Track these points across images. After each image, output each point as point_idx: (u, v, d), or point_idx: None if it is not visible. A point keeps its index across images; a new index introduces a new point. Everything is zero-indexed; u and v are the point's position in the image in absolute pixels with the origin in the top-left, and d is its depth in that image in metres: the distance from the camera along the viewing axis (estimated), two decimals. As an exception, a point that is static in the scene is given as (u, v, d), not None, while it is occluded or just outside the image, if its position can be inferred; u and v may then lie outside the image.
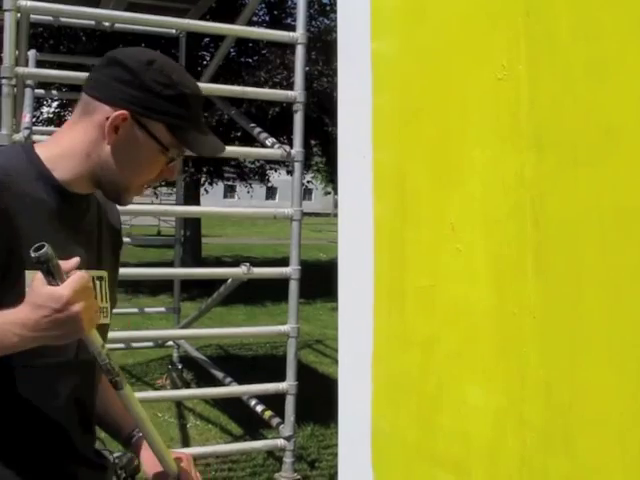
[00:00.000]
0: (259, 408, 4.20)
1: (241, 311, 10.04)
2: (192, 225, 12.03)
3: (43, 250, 1.04)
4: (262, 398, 4.24)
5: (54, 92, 8.08)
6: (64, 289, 1.06)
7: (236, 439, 4.84)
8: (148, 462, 1.42)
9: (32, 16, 4.91)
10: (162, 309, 7.41)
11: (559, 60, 1.12)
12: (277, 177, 16.44)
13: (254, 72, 10.30)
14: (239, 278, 3.96)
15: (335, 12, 1.93)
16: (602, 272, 1.06)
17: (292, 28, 4.04)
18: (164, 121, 1.27)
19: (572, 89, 1.10)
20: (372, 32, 1.59)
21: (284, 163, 11.51)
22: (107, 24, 5.47)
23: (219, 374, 4.90)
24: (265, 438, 4.45)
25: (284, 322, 3.85)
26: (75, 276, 1.08)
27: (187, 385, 6.03)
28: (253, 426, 4.78)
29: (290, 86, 4.39)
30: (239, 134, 10.53)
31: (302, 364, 5.58)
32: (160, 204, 17.46)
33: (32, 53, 5.09)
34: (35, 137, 3.45)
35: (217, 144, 1.37)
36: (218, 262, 14.53)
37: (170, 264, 7.51)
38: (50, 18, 5.76)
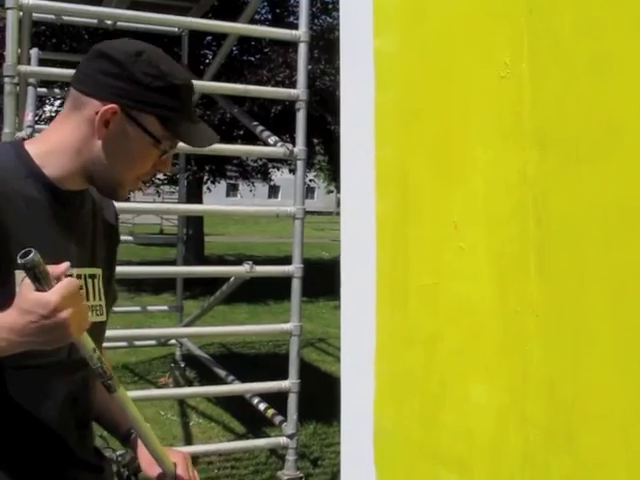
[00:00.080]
0: (262, 406, 4.20)
1: (244, 310, 10.05)
2: (195, 224, 12.04)
3: (29, 257, 1.03)
4: (265, 396, 4.24)
5: (56, 90, 8.08)
6: (52, 295, 1.04)
7: (239, 437, 4.85)
8: (145, 460, 1.41)
9: (34, 14, 4.91)
10: (165, 307, 7.42)
11: (562, 58, 1.12)
12: (280, 176, 16.44)
13: (256, 71, 10.29)
14: (242, 276, 3.96)
15: (337, 10, 1.92)
16: (605, 270, 1.06)
17: (294, 26, 4.04)
18: (155, 113, 1.24)
19: (575, 87, 1.10)
20: (374, 30, 1.59)
21: (286, 162, 11.53)
22: (109, 22, 5.47)
23: (222, 372, 4.91)
24: (268, 436, 4.45)
25: (287, 320, 3.85)
26: (63, 282, 1.06)
27: (190, 383, 6.04)
28: (256, 424, 4.79)
29: (292, 85, 4.39)
30: (241, 132, 10.53)
31: (305, 362, 5.58)
32: (162, 202, 17.48)
33: (34, 51, 5.09)
34: (37, 135, 3.45)
35: (210, 135, 1.34)
36: (221, 261, 14.55)
37: (173, 263, 7.51)
38: (52, 16, 5.77)
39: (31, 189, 1.24)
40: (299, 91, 3.77)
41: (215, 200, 14.63)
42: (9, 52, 3.19)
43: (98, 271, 1.36)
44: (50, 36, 9.61)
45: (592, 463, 1.09)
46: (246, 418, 4.97)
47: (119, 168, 1.27)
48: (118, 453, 1.48)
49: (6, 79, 3.19)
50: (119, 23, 5.33)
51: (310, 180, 18.05)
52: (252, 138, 8.34)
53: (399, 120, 1.53)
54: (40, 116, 11.34)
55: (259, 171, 14.39)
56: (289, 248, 4.00)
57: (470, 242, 1.32)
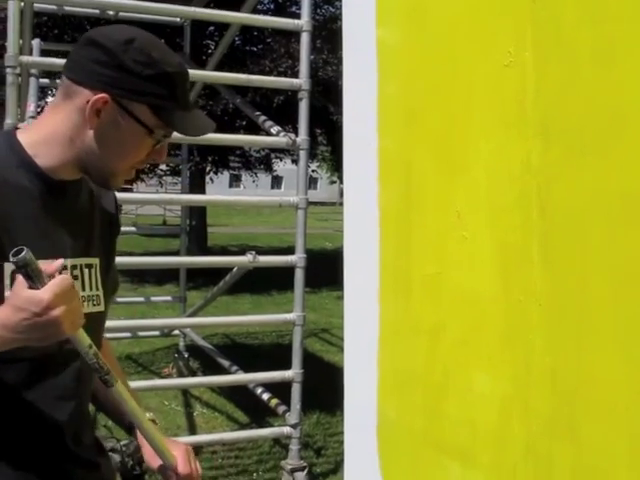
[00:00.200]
0: (265, 396, 4.21)
1: (247, 300, 10.06)
2: (198, 214, 12.03)
3: (21, 255, 1.03)
4: (268, 386, 4.25)
5: (58, 81, 8.05)
6: (44, 293, 1.04)
7: (242, 427, 4.86)
8: (148, 450, 1.40)
9: (36, 5, 4.89)
10: (168, 298, 7.42)
11: (565, 47, 1.12)
12: (282, 166, 16.42)
13: (259, 61, 10.27)
14: (245, 266, 3.96)
15: (340, 0, 1.91)
16: (608, 260, 1.06)
17: (297, 16, 4.02)
18: (146, 102, 1.22)
19: (579, 76, 1.10)
20: (377, 20, 1.58)
21: (289, 152, 11.50)
22: (111, 13, 5.45)
23: (225, 362, 4.91)
24: (271, 426, 4.46)
25: (290, 311, 3.85)
26: (56, 280, 1.06)
27: (193, 374, 6.05)
28: (259, 414, 4.80)
29: (295, 75, 4.38)
30: (244, 123, 10.51)
31: (308, 353, 5.59)
32: (165, 192, 17.45)
33: (36, 42, 5.07)
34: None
35: (205, 123, 1.31)
36: (224, 251, 14.56)
37: (176, 253, 7.51)
38: (54, 7, 5.75)
39: (22, 179, 1.22)
40: (301, 81, 3.76)
41: (218, 191, 14.61)
42: (11, 43, 3.18)
43: (95, 261, 1.34)
44: (52, 27, 9.59)
45: (595, 452, 1.09)
46: (250, 408, 4.98)
47: (112, 158, 1.25)
48: (122, 443, 1.48)
49: (8, 70, 3.18)
50: (121, 13, 5.31)
51: (313, 171, 18.02)
52: (255, 129, 8.32)
53: (402, 110, 1.52)
54: (42, 107, 11.33)
55: (262, 162, 14.37)
56: (292, 239, 4.00)
57: (473, 231, 1.31)
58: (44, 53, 5.30)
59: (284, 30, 6.35)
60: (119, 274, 1.51)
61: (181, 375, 6.00)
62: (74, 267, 1.27)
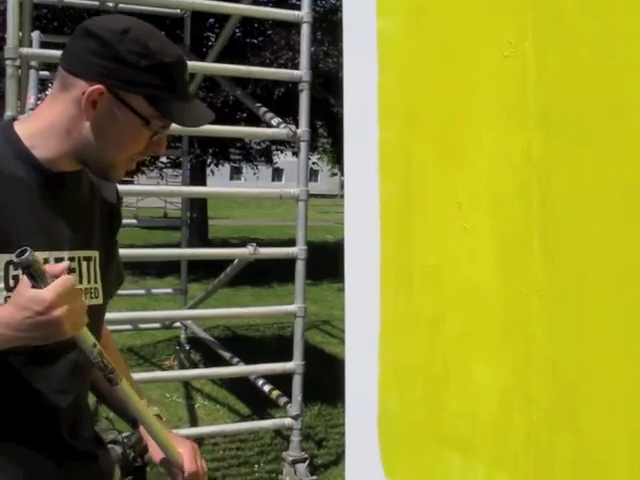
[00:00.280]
0: (266, 388, 4.22)
1: (248, 292, 10.07)
2: (198, 207, 12.02)
3: (24, 256, 1.05)
4: (269, 378, 4.26)
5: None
6: (47, 293, 1.05)
7: (244, 418, 4.87)
8: (153, 444, 1.40)
9: (36, -3, 4.88)
10: (169, 290, 7.44)
11: (566, 37, 1.11)
12: (283, 158, 16.40)
13: (259, 53, 10.23)
14: (246, 258, 3.96)
15: (340, -9, 1.90)
16: (609, 251, 1.06)
17: (297, 8, 4.01)
18: (143, 93, 1.20)
19: (579, 66, 1.09)
20: (378, 11, 1.58)
21: (290, 144, 11.48)
22: (111, 4, 5.44)
23: (226, 354, 4.92)
24: (273, 417, 4.47)
25: (291, 303, 3.86)
26: (59, 280, 1.07)
27: (195, 366, 6.06)
28: (261, 406, 4.81)
29: (295, 67, 4.37)
30: (245, 115, 10.49)
31: (309, 345, 5.60)
32: (166, 185, 17.44)
33: (36, 34, 5.06)
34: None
35: (204, 113, 1.29)
36: (225, 243, 14.55)
37: (177, 246, 7.50)
38: (54, -1, 5.74)
39: (19, 170, 1.22)
40: (302, 72, 3.76)
41: (219, 183, 14.61)
42: (10, 35, 3.17)
43: (94, 253, 1.33)
44: (52, 19, 9.55)
45: (595, 443, 1.09)
46: (251, 400, 5.00)
47: (109, 149, 1.24)
48: (124, 435, 1.48)
49: (8, 62, 3.17)
50: (120, 5, 5.29)
51: (313, 163, 17.99)
52: (255, 121, 8.31)
53: (402, 101, 1.52)
54: (42, 99, 11.31)
55: (262, 154, 14.34)
56: (293, 231, 4.00)
57: (474, 222, 1.31)
58: (44, 45, 5.29)
59: (284, 22, 6.33)
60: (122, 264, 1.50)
61: (182, 367, 6.02)
62: (71, 259, 1.27)
